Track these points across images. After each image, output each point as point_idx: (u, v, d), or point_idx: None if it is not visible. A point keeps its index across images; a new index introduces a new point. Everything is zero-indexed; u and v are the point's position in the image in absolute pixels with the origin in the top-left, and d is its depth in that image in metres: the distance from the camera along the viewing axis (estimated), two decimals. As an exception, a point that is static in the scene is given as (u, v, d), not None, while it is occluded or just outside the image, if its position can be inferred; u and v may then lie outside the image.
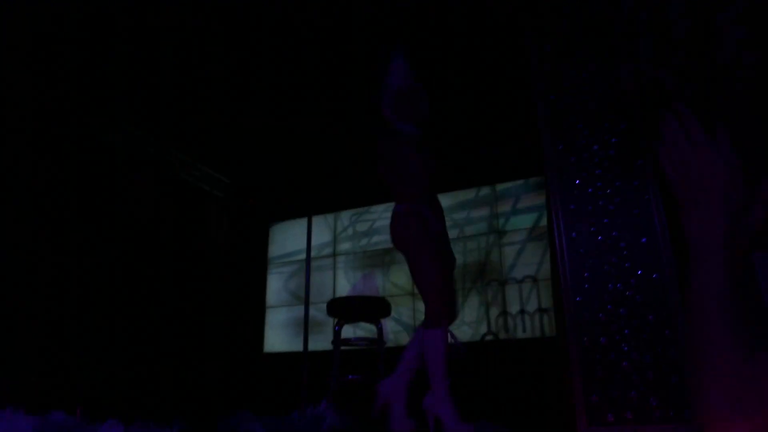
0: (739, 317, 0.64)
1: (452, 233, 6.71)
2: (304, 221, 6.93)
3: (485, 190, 6.64)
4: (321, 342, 6.81)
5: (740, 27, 2.36)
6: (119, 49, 4.52)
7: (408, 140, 3.13)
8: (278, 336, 7.41)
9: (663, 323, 2.29)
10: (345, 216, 7.58)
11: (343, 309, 3.59)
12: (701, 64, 2.48)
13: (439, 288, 2.78)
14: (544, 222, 5.89)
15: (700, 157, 0.72)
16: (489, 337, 6.06)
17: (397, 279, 6.98)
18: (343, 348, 3.62)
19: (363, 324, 5.01)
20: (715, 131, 0.75)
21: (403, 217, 3.00)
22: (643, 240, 2.43)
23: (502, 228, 6.46)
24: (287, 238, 7.85)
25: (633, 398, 2.23)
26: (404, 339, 6.58)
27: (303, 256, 7.06)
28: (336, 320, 3.62)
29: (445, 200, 6.77)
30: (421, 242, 2.89)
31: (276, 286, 7.72)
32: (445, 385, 2.70)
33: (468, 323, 6.25)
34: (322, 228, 7.56)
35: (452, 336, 2.94)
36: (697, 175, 0.72)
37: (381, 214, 7.33)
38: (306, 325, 4.42)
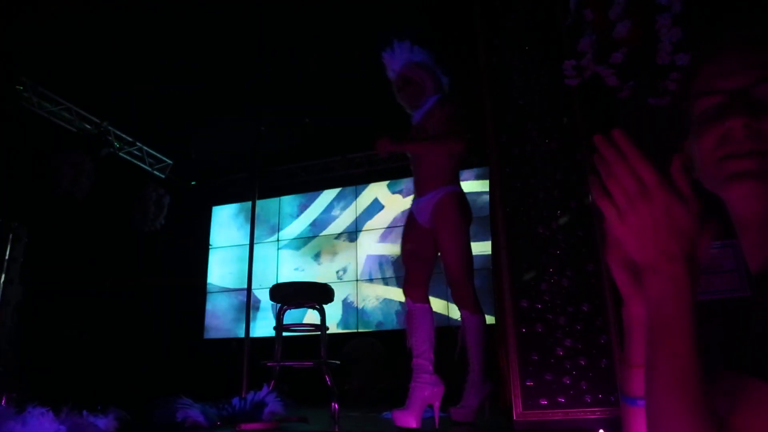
0: (707, 401, 0.58)
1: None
2: (248, 205, 6.81)
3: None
4: (263, 328, 6.75)
5: (676, 30, 2.46)
6: (60, 24, 4.28)
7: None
8: (219, 321, 7.29)
9: (596, 312, 2.39)
10: (289, 201, 7.49)
11: (285, 294, 3.56)
12: (641, 63, 2.58)
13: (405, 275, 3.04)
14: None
15: (658, 209, 0.60)
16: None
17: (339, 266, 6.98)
18: (285, 334, 3.60)
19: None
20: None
21: None
22: (580, 232, 2.52)
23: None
24: (230, 222, 7.70)
25: (566, 383, 2.33)
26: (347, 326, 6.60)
27: (246, 240, 6.95)
28: (278, 305, 3.59)
29: (391, 188, 6.81)
30: (402, 234, 3.15)
31: (218, 270, 7.58)
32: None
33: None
34: (265, 212, 7.45)
35: None
36: (654, 233, 0.61)
37: (326, 200, 7.29)
38: (248, 310, 4.36)
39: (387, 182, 6.96)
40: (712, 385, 0.73)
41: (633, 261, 0.67)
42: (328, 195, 7.30)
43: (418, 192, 3.05)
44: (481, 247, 6.26)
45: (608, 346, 2.32)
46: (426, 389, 2.73)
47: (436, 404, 2.78)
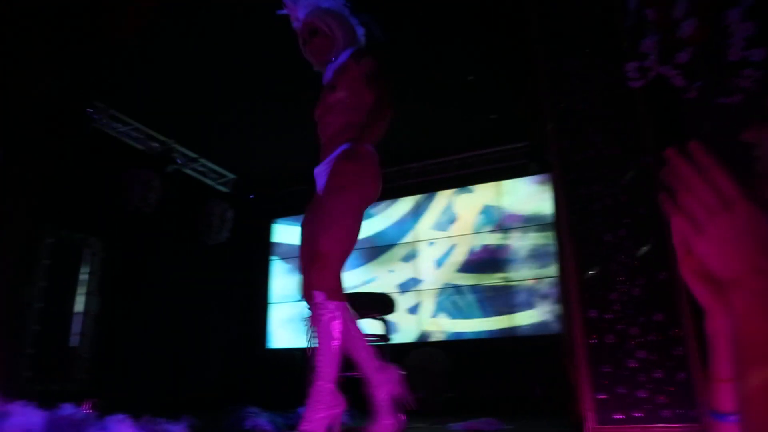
0: None
1: (460, 229, 6.68)
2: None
3: (489, 187, 6.63)
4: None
5: (748, 24, 2.36)
6: (125, 45, 4.51)
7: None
8: (282, 332, 7.43)
9: (670, 322, 2.29)
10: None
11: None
12: (708, 61, 2.48)
13: None
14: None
15: (740, 220, 0.58)
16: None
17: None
18: (348, 344, 3.63)
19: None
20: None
21: None
22: (651, 239, 2.43)
23: (509, 224, 6.47)
24: (291, 234, 7.86)
25: (641, 397, 2.24)
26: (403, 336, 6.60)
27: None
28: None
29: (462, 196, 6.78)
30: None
31: (280, 281, 7.73)
32: None
33: (476, 319, 6.26)
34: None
35: None
36: (738, 245, 0.58)
37: (383, 210, 7.32)
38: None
39: (454, 190, 6.90)
40: None
41: (710, 271, 0.65)
42: (386, 204, 7.33)
43: (322, 156, 2.48)
44: (548, 254, 6.13)
45: (685, 359, 2.22)
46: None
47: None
